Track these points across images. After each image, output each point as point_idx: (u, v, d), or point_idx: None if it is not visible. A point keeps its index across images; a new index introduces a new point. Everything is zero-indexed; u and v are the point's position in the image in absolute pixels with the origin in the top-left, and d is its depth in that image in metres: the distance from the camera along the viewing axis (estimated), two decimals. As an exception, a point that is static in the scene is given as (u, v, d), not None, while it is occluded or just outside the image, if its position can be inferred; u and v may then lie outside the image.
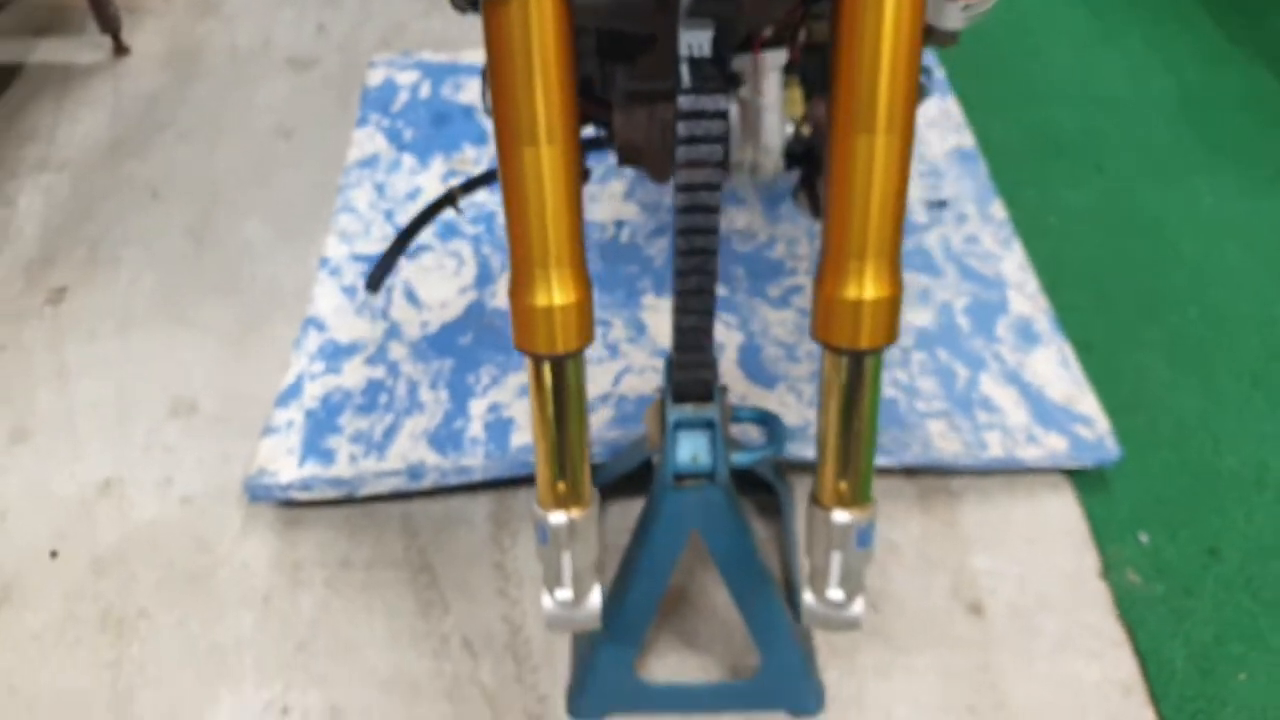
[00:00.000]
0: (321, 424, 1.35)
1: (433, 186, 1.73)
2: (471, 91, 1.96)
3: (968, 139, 1.80)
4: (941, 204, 1.67)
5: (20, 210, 1.76)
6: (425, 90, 1.95)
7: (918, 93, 1.19)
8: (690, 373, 0.90)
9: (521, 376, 1.40)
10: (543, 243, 0.71)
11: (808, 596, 0.85)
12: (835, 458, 0.79)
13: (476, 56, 2.02)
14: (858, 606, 0.85)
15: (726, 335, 1.46)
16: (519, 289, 0.73)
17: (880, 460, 1.26)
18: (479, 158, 1.80)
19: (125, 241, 1.69)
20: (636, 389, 1.39)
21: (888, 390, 1.37)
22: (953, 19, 0.90)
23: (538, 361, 0.77)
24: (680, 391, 0.92)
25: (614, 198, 1.72)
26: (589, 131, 1.13)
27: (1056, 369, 1.39)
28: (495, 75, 0.66)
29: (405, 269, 1.59)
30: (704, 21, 0.71)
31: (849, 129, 0.66)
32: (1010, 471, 1.30)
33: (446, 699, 1.12)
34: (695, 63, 0.73)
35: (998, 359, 1.41)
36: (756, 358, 1.43)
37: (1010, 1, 2.18)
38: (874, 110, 0.66)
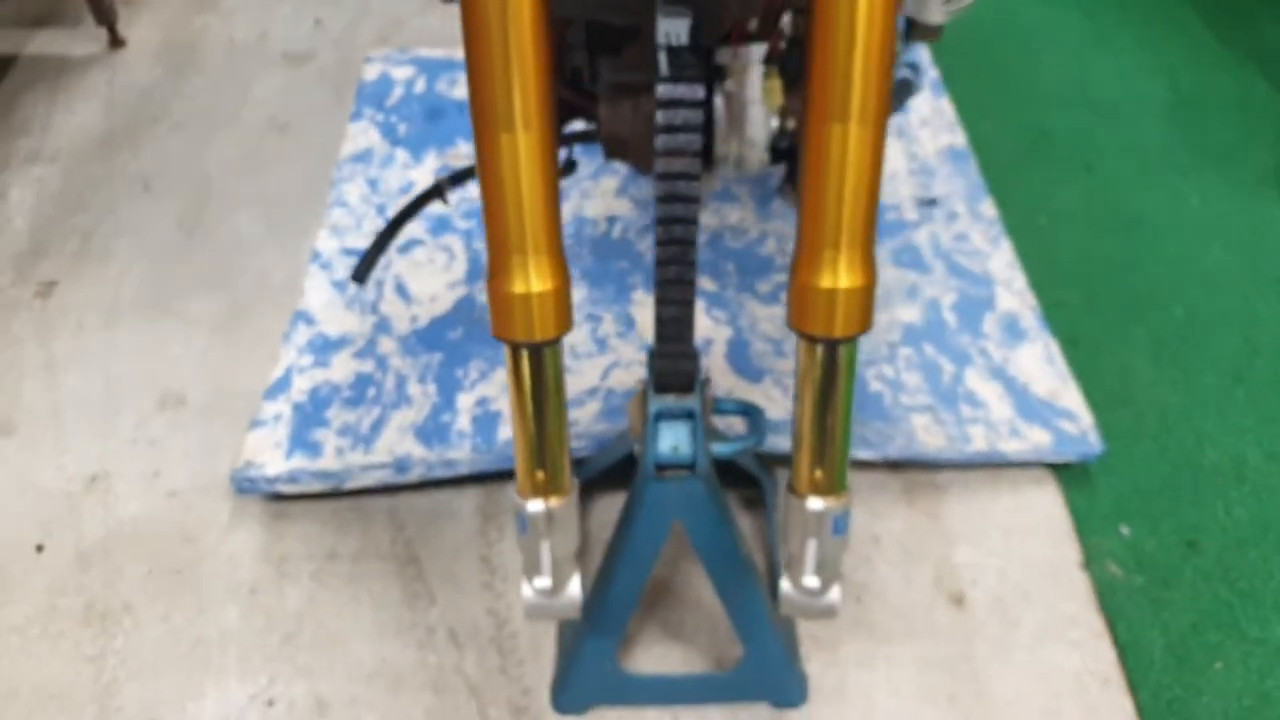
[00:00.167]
0: (309, 417, 1.35)
1: (425, 181, 1.73)
2: (466, 87, 1.97)
3: (960, 138, 1.81)
4: (932, 202, 1.68)
5: (11, 202, 1.76)
6: (420, 85, 1.96)
7: (908, 88, 1.20)
8: (671, 363, 0.91)
9: (510, 371, 1.40)
10: (519, 230, 0.71)
11: (785, 584, 0.86)
12: (811, 446, 0.80)
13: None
14: (834, 594, 0.86)
15: (715, 330, 1.47)
16: (496, 276, 0.74)
17: (863, 453, 1.27)
18: (473, 153, 1.80)
19: (116, 234, 1.70)
20: (625, 383, 1.39)
21: (873, 384, 1.38)
22: (935, 13, 0.91)
23: (516, 350, 0.77)
24: (661, 382, 0.92)
25: (606, 194, 1.72)
26: (578, 125, 1.14)
27: (1042, 365, 1.40)
28: (471, 62, 0.67)
29: (396, 263, 1.59)
30: (681, 10, 0.71)
31: (822, 119, 0.67)
32: (994, 465, 1.31)
33: (432, 690, 1.13)
34: (673, 51, 0.74)
35: (984, 354, 1.42)
36: (744, 352, 1.43)
37: (1006, 4, 2.21)
38: (847, 100, 0.66)
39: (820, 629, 1.16)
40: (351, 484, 1.28)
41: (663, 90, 0.75)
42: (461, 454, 1.30)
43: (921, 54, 2.03)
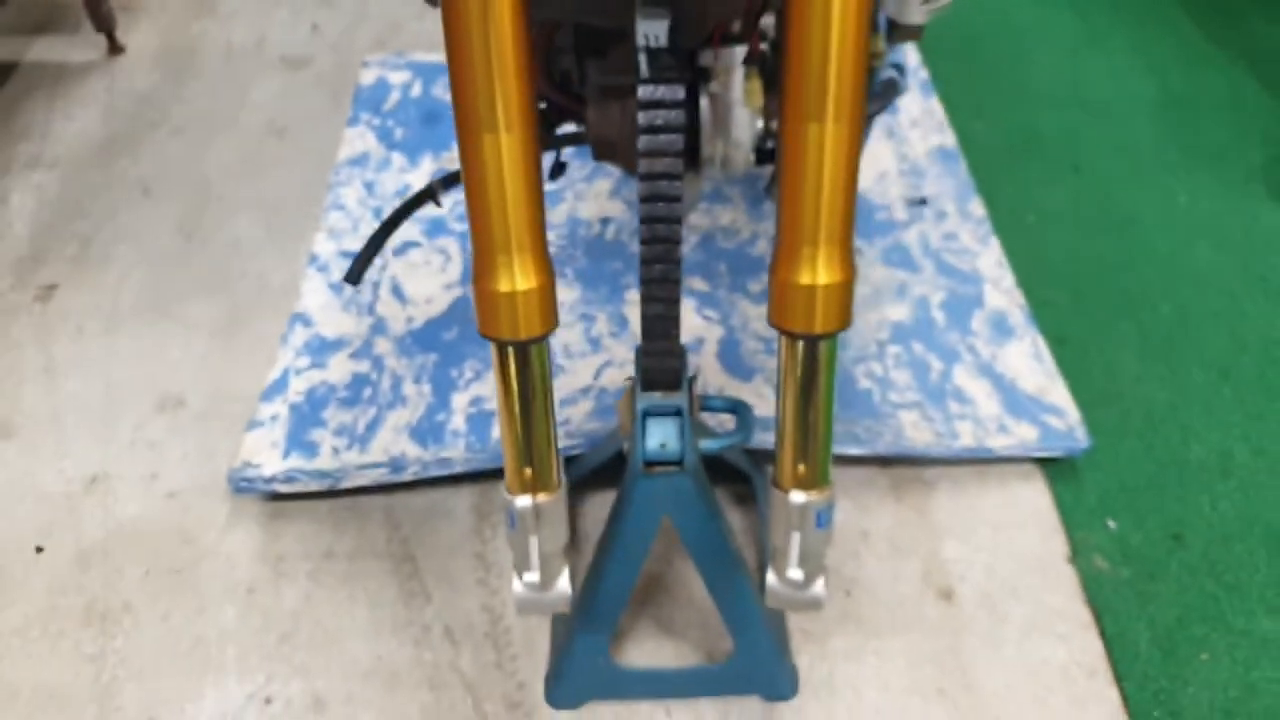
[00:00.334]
0: (305, 418, 1.37)
1: (422, 185, 1.74)
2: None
3: (949, 139, 1.83)
4: (922, 202, 1.70)
5: (11, 207, 1.78)
6: (416, 90, 1.98)
7: (894, 89, 1.21)
8: (658, 360, 0.92)
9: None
10: (504, 229, 0.72)
11: (770, 577, 0.87)
12: (794, 441, 0.81)
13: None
14: (819, 587, 0.87)
15: (707, 330, 1.49)
16: (481, 275, 0.75)
17: (852, 449, 1.28)
18: (467, 157, 1.82)
19: (116, 239, 1.72)
20: (618, 382, 1.41)
21: (862, 382, 1.39)
22: (914, 14, 0.93)
23: (502, 348, 0.79)
24: (649, 380, 0.94)
25: (600, 196, 1.74)
26: (569, 127, 1.15)
27: (1029, 362, 1.42)
28: (453, 64, 0.68)
29: (392, 265, 1.61)
30: (660, 11, 0.72)
31: (799, 118, 0.68)
32: (982, 461, 1.32)
33: (427, 687, 1.14)
34: (652, 53, 0.75)
35: (972, 352, 1.43)
36: (735, 351, 1.45)
37: (998, 5, 2.22)
38: (823, 99, 0.67)
39: (810, 623, 1.17)
40: (348, 483, 1.29)
41: (643, 92, 0.76)
42: (456, 453, 1.31)
43: (908, 55, 2.04)
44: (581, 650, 1.07)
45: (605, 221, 1.68)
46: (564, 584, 0.91)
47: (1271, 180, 1.78)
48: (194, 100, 2.03)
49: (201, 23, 2.26)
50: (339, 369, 1.44)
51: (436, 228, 1.67)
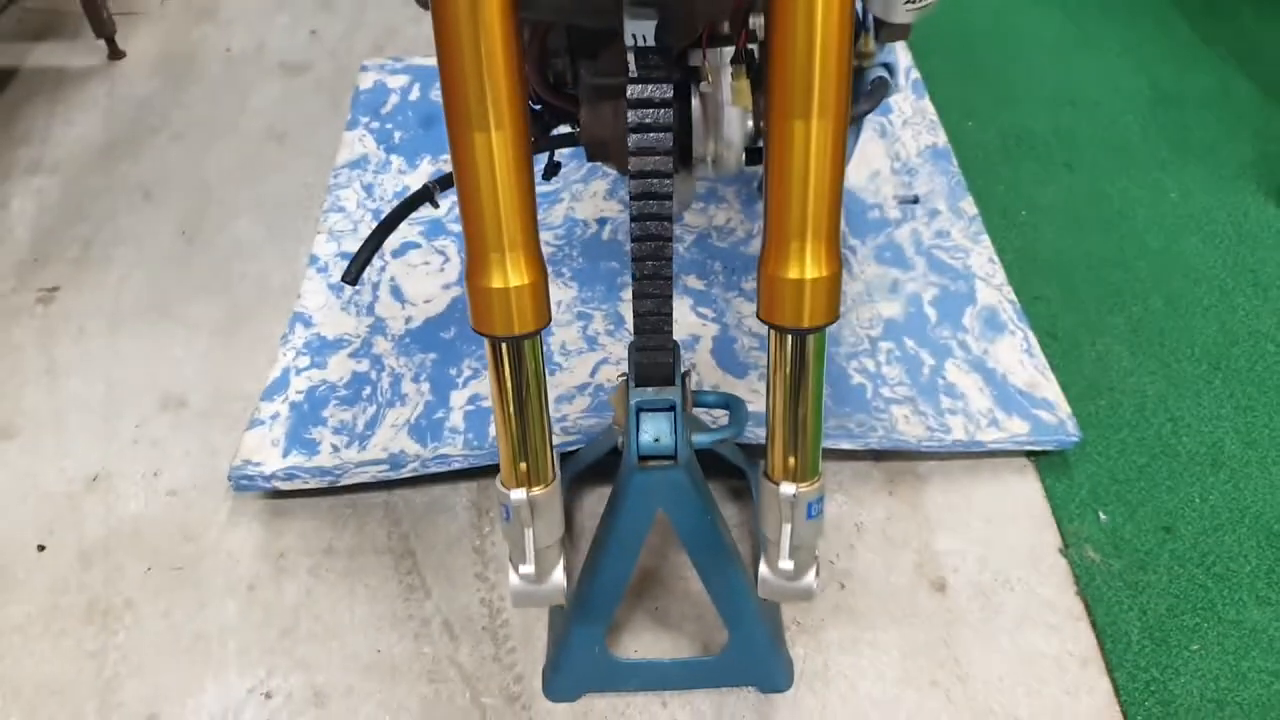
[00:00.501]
0: (305, 416, 1.39)
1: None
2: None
3: (941, 138, 1.84)
4: (914, 200, 1.71)
5: (13, 212, 1.80)
6: (415, 93, 1.99)
7: (884, 88, 1.23)
8: (651, 356, 0.93)
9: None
10: (496, 226, 0.74)
11: (763, 568, 0.89)
12: (784, 434, 0.83)
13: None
14: (810, 577, 0.88)
15: (702, 328, 1.50)
16: (474, 272, 0.76)
17: (845, 443, 1.30)
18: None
19: (117, 241, 1.73)
20: (614, 379, 1.42)
21: (855, 377, 1.41)
22: (899, 13, 0.94)
23: (496, 344, 0.80)
24: (642, 375, 0.95)
25: (596, 196, 1.76)
26: (563, 129, 1.16)
27: (1021, 356, 1.43)
28: (443, 63, 0.69)
29: (391, 266, 1.62)
30: (647, 11, 0.73)
31: (784, 115, 0.70)
32: (974, 455, 1.34)
33: (427, 680, 1.15)
34: (640, 52, 0.76)
35: (963, 347, 1.45)
36: (730, 348, 1.46)
37: (991, 6, 2.24)
38: (808, 96, 0.69)
39: (804, 614, 1.19)
40: (347, 480, 1.31)
41: (632, 90, 0.77)
42: (455, 449, 1.33)
43: (899, 54, 2.06)
44: (578, 643, 1.09)
45: (602, 222, 1.70)
46: (559, 576, 0.92)
47: (1261, 175, 1.79)
48: (194, 105, 2.05)
49: (201, 28, 2.27)
50: (339, 368, 1.46)
51: (435, 229, 1.68)
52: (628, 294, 1.57)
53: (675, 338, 0.93)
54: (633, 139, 0.79)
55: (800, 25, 0.67)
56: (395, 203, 1.72)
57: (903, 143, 1.82)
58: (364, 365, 1.46)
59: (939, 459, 1.35)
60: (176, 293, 1.64)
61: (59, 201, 1.82)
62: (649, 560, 1.24)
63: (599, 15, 0.78)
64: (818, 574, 0.92)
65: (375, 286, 1.59)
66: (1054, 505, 1.29)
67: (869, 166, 1.78)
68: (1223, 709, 1.10)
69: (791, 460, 0.83)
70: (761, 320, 0.78)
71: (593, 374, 1.43)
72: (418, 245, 1.66)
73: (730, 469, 1.31)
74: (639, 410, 0.95)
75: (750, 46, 0.92)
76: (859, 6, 1.06)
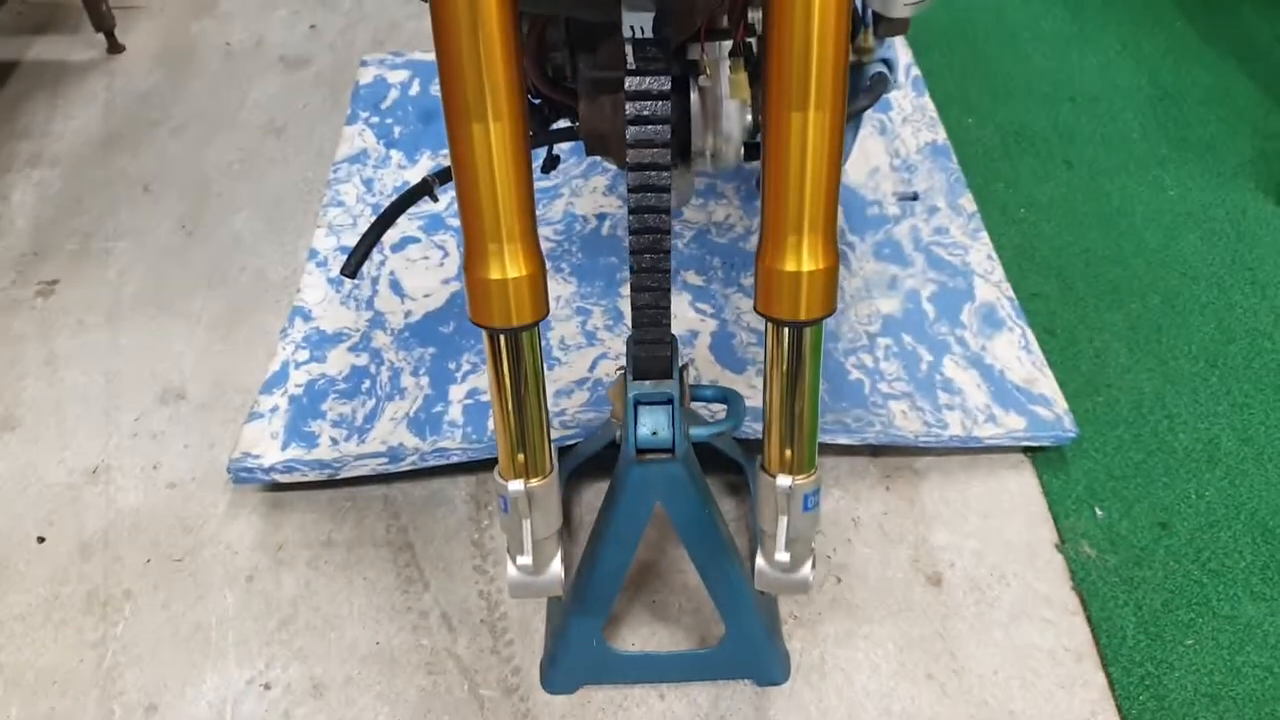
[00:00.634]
0: (305, 409, 1.39)
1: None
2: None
3: (940, 135, 1.84)
4: (913, 197, 1.71)
5: (13, 204, 1.80)
6: (415, 88, 1.99)
7: (883, 83, 1.23)
8: (649, 349, 0.94)
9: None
10: (494, 218, 0.74)
11: (759, 560, 0.89)
12: (780, 427, 0.83)
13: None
14: (806, 569, 0.89)
15: (701, 323, 1.50)
16: (473, 264, 0.77)
17: (842, 438, 1.30)
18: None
19: (116, 235, 1.73)
20: (612, 374, 1.42)
21: (853, 373, 1.41)
22: (897, 8, 0.94)
23: (494, 336, 0.80)
24: (640, 368, 0.95)
25: (596, 192, 1.76)
26: (562, 122, 1.17)
27: (1018, 353, 1.43)
28: (441, 54, 0.69)
29: (391, 260, 1.63)
30: (645, 3, 0.74)
31: (781, 107, 0.70)
32: (971, 450, 1.34)
33: (425, 671, 1.16)
34: (638, 44, 0.76)
35: (961, 343, 1.45)
36: (728, 343, 1.47)
37: (991, 3, 2.24)
38: (806, 88, 0.69)
39: (801, 608, 1.19)
40: (346, 473, 1.31)
41: (630, 83, 0.78)
42: (453, 443, 1.33)
43: (898, 50, 2.06)
44: (576, 635, 1.09)
45: (601, 217, 1.70)
46: (556, 568, 0.93)
47: (1260, 173, 1.80)
48: (193, 99, 2.05)
49: (201, 23, 2.28)
50: (338, 362, 1.46)
51: (434, 224, 1.69)
52: (627, 289, 1.57)
53: (674, 333, 0.94)
54: (631, 131, 0.79)
55: (798, 17, 0.67)
56: (395, 197, 1.74)
57: (902, 139, 1.83)
58: (363, 359, 1.46)
59: (936, 454, 1.35)
60: (176, 286, 1.64)
61: (59, 195, 1.82)
62: (647, 553, 1.25)
63: (597, 8, 0.78)
64: (814, 567, 0.93)
65: (375, 281, 1.59)
66: (1050, 501, 1.30)
67: (868, 163, 1.78)
68: (1217, 703, 1.11)
69: (788, 452, 0.84)
70: (759, 313, 0.78)
71: (591, 369, 1.44)
72: (417, 240, 1.66)
73: (728, 464, 1.31)
74: (637, 403, 0.96)
75: (749, 40, 0.92)
76: (858, 1, 1.07)
